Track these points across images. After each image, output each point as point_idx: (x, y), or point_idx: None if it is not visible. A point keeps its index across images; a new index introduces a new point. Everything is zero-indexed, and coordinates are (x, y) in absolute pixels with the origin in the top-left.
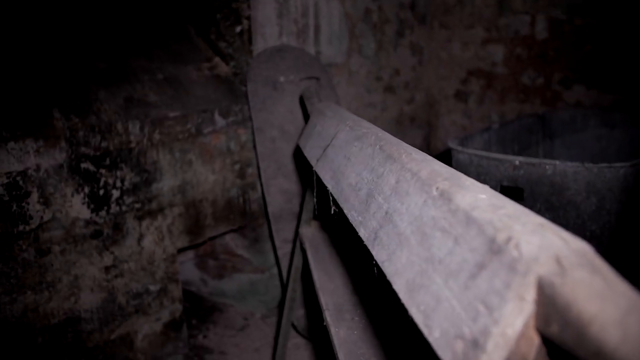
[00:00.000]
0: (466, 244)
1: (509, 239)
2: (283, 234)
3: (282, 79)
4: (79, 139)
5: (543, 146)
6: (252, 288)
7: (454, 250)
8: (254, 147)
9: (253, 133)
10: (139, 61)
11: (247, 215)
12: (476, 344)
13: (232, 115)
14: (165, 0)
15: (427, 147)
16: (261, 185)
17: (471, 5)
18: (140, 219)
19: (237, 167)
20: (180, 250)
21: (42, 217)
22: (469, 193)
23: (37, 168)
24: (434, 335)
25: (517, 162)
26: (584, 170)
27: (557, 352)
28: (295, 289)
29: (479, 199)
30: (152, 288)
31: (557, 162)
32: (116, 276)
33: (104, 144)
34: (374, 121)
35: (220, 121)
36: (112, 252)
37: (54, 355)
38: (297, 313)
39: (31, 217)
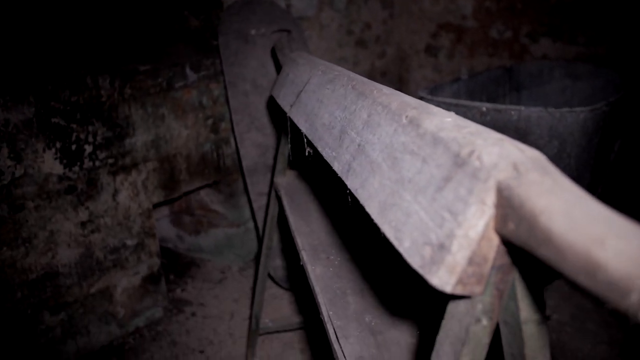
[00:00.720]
0: (433, 161)
1: (471, 152)
2: (258, 187)
3: (253, 32)
4: (47, 91)
5: (510, 98)
6: (229, 242)
7: (422, 169)
8: (227, 101)
9: (225, 87)
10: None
11: (221, 170)
12: (442, 247)
13: (204, 69)
14: None
15: None
16: (235, 139)
17: None
18: (114, 174)
19: (210, 121)
20: (156, 206)
21: (13, 173)
22: (436, 117)
23: (6, 122)
24: (404, 245)
25: (484, 109)
26: (547, 116)
27: (515, 252)
28: (271, 237)
29: (445, 121)
30: (129, 243)
31: (522, 108)
32: (92, 231)
33: (73, 98)
34: None
35: (191, 75)
36: (87, 208)
37: (35, 309)
38: (274, 263)
39: (2, 173)
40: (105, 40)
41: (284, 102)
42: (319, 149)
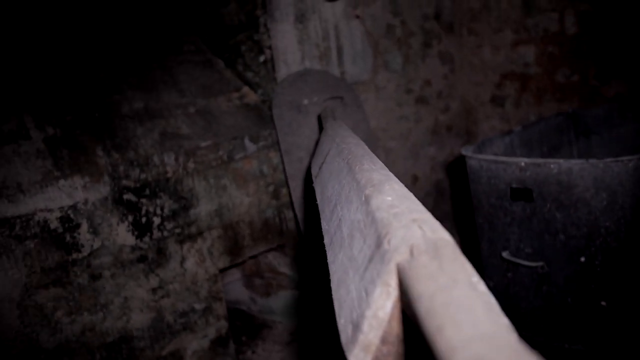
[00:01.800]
0: (368, 240)
1: (386, 234)
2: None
3: (305, 101)
4: (120, 173)
5: (578, 145)
6: (297, 304)
7: (362, 248)
8: (284, 169)
9: (281, 156)
10: (171, 97)
11: (284, 234)
12: (357, 327)
13: (262, 140)
14: (195, 38)
15: None
16: (291, 204)
17: (497, 9)
18: (181, 242)
19: (271, 188)
20: (222, 270)
21: (92, 246)
22: (380, 196)
23: (85, 202)
24: (340, 322)
25: (522, 164)
26: (589, 167)
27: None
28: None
29: (384, 200)
30: (197, 307)
31: (561, 161)
32: (163, 297)
33: (142, 176)
34: (407, 133)
35: (250, 147)
36: (157, 275)
37: None
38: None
39: (83, 246)
40: (170, 119)
41: (313, 173)
42: (322, 223)
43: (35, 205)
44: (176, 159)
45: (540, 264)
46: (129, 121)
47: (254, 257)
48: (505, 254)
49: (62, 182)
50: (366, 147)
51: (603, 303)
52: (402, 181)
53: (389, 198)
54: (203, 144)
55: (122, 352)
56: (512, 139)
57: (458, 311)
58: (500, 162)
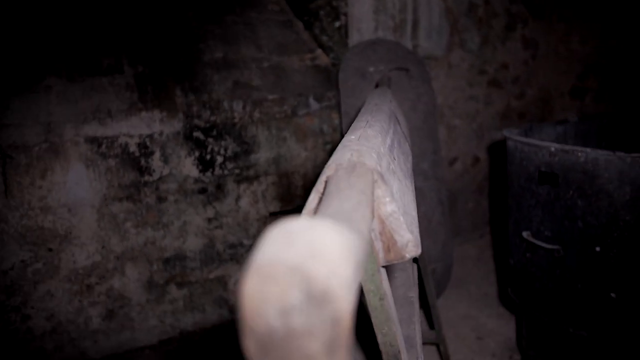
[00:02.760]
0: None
1: (331, 159)
2: None
3: (371, 69)
4: (193, 112)
5: None
6: None
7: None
8: (341, 129)
9: (340, 117)
10: (249, 51)
11: None
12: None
13: (326, 100)
14: (279, 0)
15: None
16: None
17: None
18: (238, 182)
19: (328, 147)
20: (273, 214)
21: (162, 172)
22: (350, 136)
23: (161, 133)
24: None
25: (552, 149)
26: (616, 159)
27: None
28: None
29: (349, 138)
30: (246, 242)
31: (589, 150)
32: (216, 227)
33: (212, 118)
34: (474, 114)
35: (314, 105)
36: (214, 207)
37: (165, 282)
38: None
39: (154, 171)
40: (245, 71)
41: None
42: None
43: (120, 130)
44: (244, 107)
45: (556, 247)
46: (207, 68)
47: (302, 206)
48: (525, 234)
49: (143, 113)
50: (385, 109)
51: (613, 295)
52: (462, 160)
53: (353, 137)
54: (270, 97)
55: (175, 267)
56: (567, 129)
57: (340, 201)
58: (532, 145)
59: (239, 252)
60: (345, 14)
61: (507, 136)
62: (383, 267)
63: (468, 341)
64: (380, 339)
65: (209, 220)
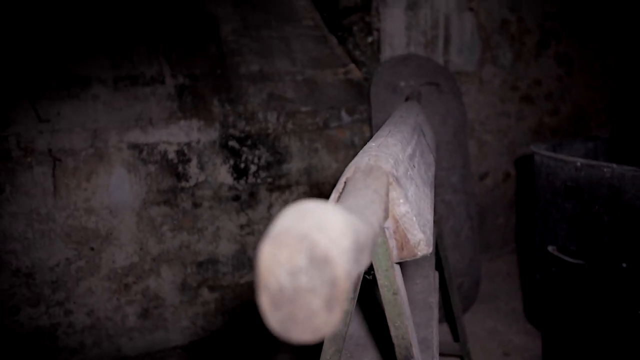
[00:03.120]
0: None
1: (351, 163)
2: None
3: (402, 83)
4: (229, 122)
5: None
6: None
7: None
8: None
9: (371, 130)
10: (284, 64)
11: None
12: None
13: (358, 113)
14: (315, 15)
15: None
16: None
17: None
18: (271, 191)
19: None
20: None
21: (198, 178)
22: (371, 144)
23: (198, 141)
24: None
25: (578, 164)
26: None
27: None
28: None
29: (370, 146)
30: None
31: (615, 166)
32: (248, 234)
33: (247, 128)
34: (506, 130)
35: (346, 118)
36: (246, 214)
37: (198, 285)
38: None
39: (190, 177)
40: (279, 84)
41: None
42: None
43: (160, 138)
44: (277, 118)
45: (581, 262)
46: (244, 80)
47: None
48: (550, 248)
49: (182, 122)
50: (409, 121)
51: None
52: (493, 175)
53: (374, 144)
54: (303, 109)
55: (208, 271)
56: (597, 145)
57: (355, 198)
58: (558, 160)
59: None
60: (378, 30)
61: (534, 151)
62: (398, 264)
63: (494, 357)
64: (393, 332)
65: (242, 226)
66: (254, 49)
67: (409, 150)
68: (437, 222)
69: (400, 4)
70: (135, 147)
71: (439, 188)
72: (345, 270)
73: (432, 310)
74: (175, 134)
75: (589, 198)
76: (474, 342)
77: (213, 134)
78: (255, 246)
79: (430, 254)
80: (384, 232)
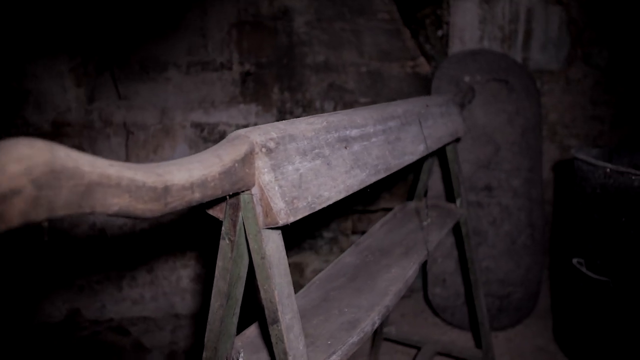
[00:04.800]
0: None
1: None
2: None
3: (467, 78)
4: (286, 108)
5: None
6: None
7: None
8: None
9: None
10: (351, 56)
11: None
12: None
13: None
14: (391, 7)
15: None
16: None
17: None
18: None
19: None
20: (355, 211)
21: None
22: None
23: (255, 124)
24: None
25: (608, 170)
26: None
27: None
28: None
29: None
30: (326, 235)
31: None
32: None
33: (303, 115)
34: (597, 136)
35: None
36: None
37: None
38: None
39: None
40: (342, 74)
41: None
42: None
43: (220, 119)
44: (334, 107)
45: (606, 279)
46: (307, 69)
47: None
48: (575, 261)
49: (242, 106)
50: (397, 109)
51: None
52: None
53: (283, 122)
54: (362, 100)
55: None
56: None
57: (188, 158)
58: (590, 164)
59: (318, 243)
60: (448, 23)
61: (573, 154)
62: (272, 229)
63: None
64: (262, 294)
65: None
66: (323, 40)
67: (348, 132)
68: (465, 222)
69: None
70: (198, 126)
71: (495, 190)
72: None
73: (385, 297)
74: (235, 117)
75: (618, 208)
76: (514, 358)
77: (270, 118)
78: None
79: (426, 256)
80: (252, 197)
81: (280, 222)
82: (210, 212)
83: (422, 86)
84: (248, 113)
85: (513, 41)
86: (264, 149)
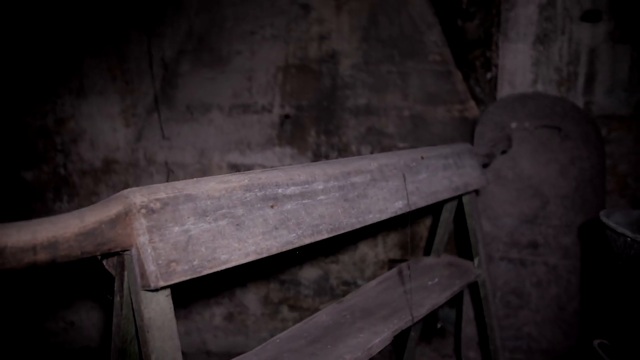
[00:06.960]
0: None
1: None
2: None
3: (513, 125)
4: (321, 152)
5: None
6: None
7: None
8: None
9: None
10: (394, 99)
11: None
12: None
13: None
14: (444, 50)
15: None
16: None
17: None
18: None
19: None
20: (392, 261)
21: None
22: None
23: None
24: None
25: (628, 239)
26: None
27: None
28: None
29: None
30: (360, 282)
31: None
32: (332, 262)
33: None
34: None
35: None
36: (332, 242)
37: (279, 302)
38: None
39: None
40: (382, 118)
41: None
42: None
43: (255, 161)
44: (371, 152)
45: None
46: (347, 113)
47: None
48: (596, 343)
49: (277, 148)
50: (372, 163)
51: None
52: None
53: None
54: (401, 145)
55: (290, 290)
56: None
57: (54, 217)
58: (611, 230)
59: (352, 290)
60: (496, 65)
61: (600, 219)
62: (156, 291)
63: None
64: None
65: (326, 255)
66: (368, 83)
67: (280, 190)
68: (484, 284)
69: (526, 37)
70: (234, 166)
71: (541, 247)
72: None
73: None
74: (270, 159)
75: (637, 286)
76: None
77: (304, 162)
78: (337, 275)
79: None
80: (130, 257)
81: (152, 284)
82: (105, 265)
83: (468, 131)
84: (283, 155)
85: (572, 84)
86: (143, 210)
